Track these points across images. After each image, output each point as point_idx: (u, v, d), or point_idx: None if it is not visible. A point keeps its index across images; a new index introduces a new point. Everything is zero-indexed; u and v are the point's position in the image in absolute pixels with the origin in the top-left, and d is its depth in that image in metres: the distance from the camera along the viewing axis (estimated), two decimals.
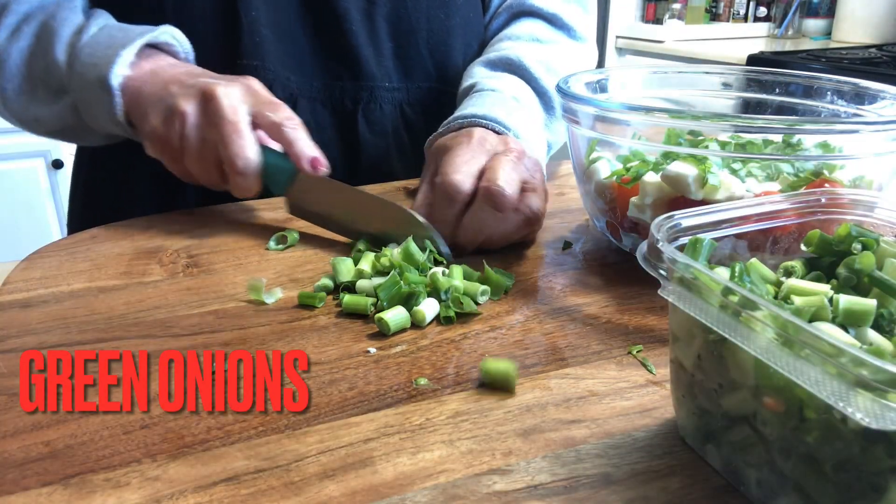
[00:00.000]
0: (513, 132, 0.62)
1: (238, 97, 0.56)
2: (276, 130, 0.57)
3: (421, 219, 0.53)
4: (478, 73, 0.72)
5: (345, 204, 0.58)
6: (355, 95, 0.74)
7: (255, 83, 0.59)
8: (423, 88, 0.78)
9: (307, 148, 0.57)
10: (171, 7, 0.66)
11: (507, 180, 0.53)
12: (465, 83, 0.72)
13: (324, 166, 0.57)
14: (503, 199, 0.52)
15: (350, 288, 0.50)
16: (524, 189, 0.55)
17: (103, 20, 0.62)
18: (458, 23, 0.77)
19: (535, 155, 0.61)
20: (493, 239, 0.56)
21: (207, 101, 0.56)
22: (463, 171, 0.54)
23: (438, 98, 0.78)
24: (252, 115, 0.57)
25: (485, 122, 0.62)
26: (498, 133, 0.61)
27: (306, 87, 0.72)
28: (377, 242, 0.55)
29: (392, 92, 0.76)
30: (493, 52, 0.74)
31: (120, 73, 0.58)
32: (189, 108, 0.56)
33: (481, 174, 0.55)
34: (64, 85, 0.61)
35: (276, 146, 0.60)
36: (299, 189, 0.59)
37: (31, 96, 0.63)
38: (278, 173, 0.58)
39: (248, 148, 0.56)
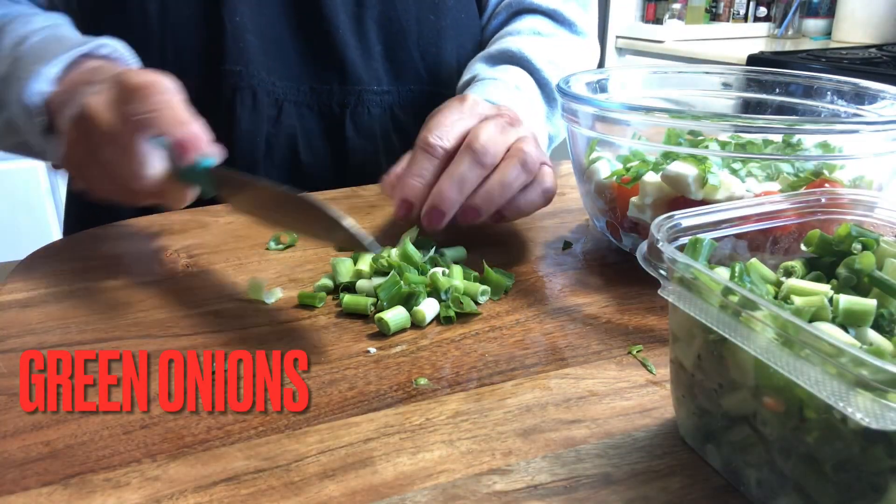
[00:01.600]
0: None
1: (111, 105, 0.48)
2: (150, 124, 0.47)
3: (329, 211, 0.43)
4: (478, 68, 0.72)
5: (262, 197, 0.50)
6: (343, 99, 0.74)
7: (129, 75, 0.48)
8: (415, 91, 0.77)
9: (182, 130, 0.47)
10: (154, 12, 0.65)
11: (491, 138, 0.51)
12: (465, 77, 0.72)
13: (198, 146, 0.48)
14: (484, 154, 0.50)
15: (350, 288, 0.50)
16: (514, 141, 0.53)
17: (50, 31, 0.57)
18: (450, 24, 0.77)
19: (532, 126, 0.59)
20: (492, 194, 0.51)
21: (84, 122, 0.48)
22: (445, 128, 0.52)
23: (430, 100, 0.78)
24: (137, 119, 0.47)
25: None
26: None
27: (292, 92, 0.72)
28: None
29: (381, 95, 0.75)
30: (493, 46, 0.74)
31: (38, 87, 0.53)
32: (74, 135, 0.50)
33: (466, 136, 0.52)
34: (2, 98, 0.57)
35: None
36: (224, 189, 0.50)
37: None
38: (193, 176, 0.50)
39: (139, 172, 0.48)
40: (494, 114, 0.56)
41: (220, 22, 0.67)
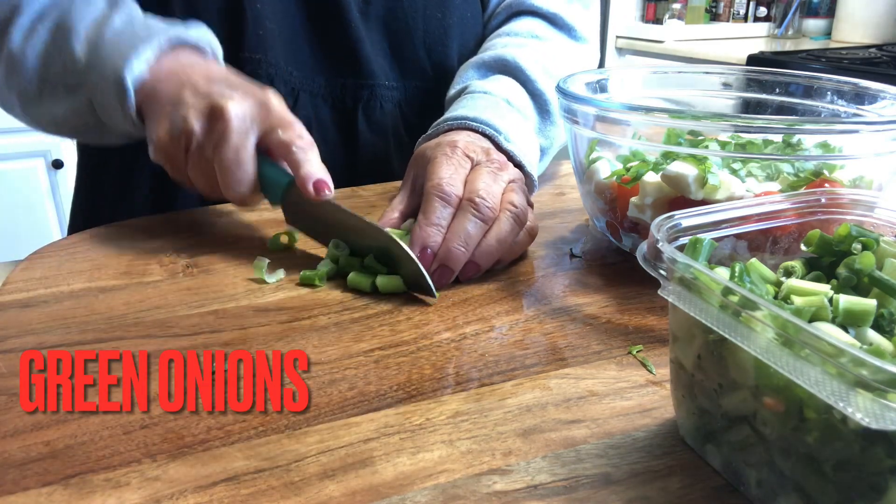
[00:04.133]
0: (503, 135, 0.62)
1: (249, 116, 0.54)
2: (284, 150, 0.54)
3: (411, 253, 0.50)
4: (469, 77, 0.72)
5: (336, 223, 0.55)
6: (356, 93, 0.74)
7: (273, 97, 0.56)
8: (420, 88, 0.77)
9: (315, 170, 0.54)
10: None
11: (488, 190, 0.53)
12: (457, 87, 0.71)
13: (328, 190, 0.54)
14: (485, 209, 0.52)
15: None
16: (504, 191, 0.55)
17: (127, 12, 0.60)
18: (455, 22, 0.77)
19: (522, 160, 0.61)
20: (491, 251, 0.52)
21: (216, 120, 0.53)
22: (452, 177, 0.54)
23: (436, 98, 0.78)
24: (261, 134, 0.54)
25: (475, 124, 0.62)
26: (487, 136, 0.61)
27: (308, 83, 0.72)
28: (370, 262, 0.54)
29: (391, 91, 0.75)
30: (487, 52, 0.73)
31: (137, 69, 0.56)
32: (197, 125, 0.54)
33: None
34: (81, 81, 0.59)
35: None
36: (294, 201, 0.56)
37: (50, 96, 0.62)
38: (274, 186, 0.56)
39: (244, 182, 0.54)
40: (484, 159, 0.57)
41: (240, 9, 0.67)
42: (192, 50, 0.60)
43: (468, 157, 0.57)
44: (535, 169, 0.65)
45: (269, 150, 0.56)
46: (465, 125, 0.62)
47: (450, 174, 0.54)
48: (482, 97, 0.66)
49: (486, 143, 0.60)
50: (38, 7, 0.61)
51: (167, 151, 0.56)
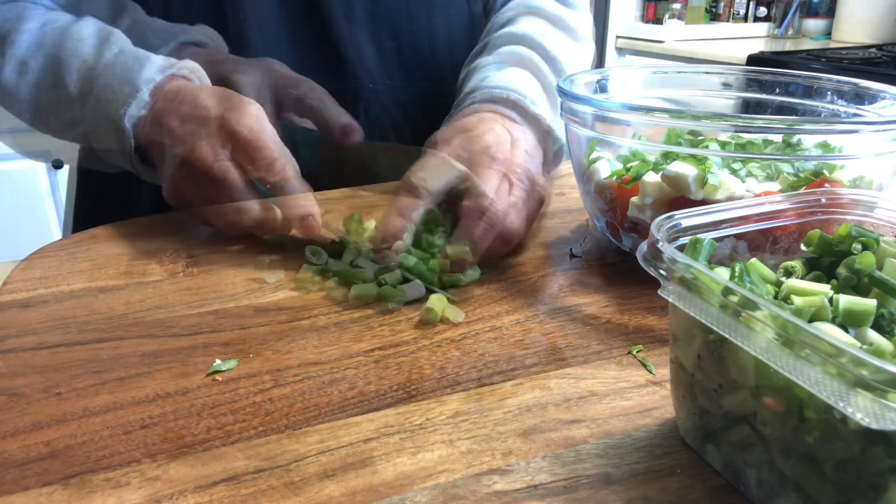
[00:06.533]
0: (528, 99, 0.63)
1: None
2: (300, 106, 0.54)
3: (457, 164, 0.51)
4: (484, 64, 0.72)
5: (377, 158, 0.56)
6: (341, 95, 0.74)
7: (274, 64, 0.56)
8: (408, 88, 0.78)
9: (336, 115, 0.54)
10: (157, 9, 0.66)
11: (527, 167, 0.55)
12: (474, 80, 0.72)
13: (356, 132, 0.54)
14: (528, 183, 0.54)
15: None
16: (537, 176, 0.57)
17: (119, 45, 0.59)
18: (441, 22, 0.78)
19: (551, 126, 0.62)
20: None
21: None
22: (501, 148, 0.56)
23: (423, 97, 0.78)
24: (276, 103, 0.55)
25: (499, 91, 0.62)
26: (512, 101, 0.62)
27: None
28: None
29: (376, 93, 0.76)
30: (502, 49, 0.74)
31: (134, 114, 0.56)
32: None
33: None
34: (76, 118, 0.59)
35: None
36: (328, 156, 0.56)
37: (45, 127, 0.62)
38: (306, 143, 0.56)
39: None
40: (522, 138, 0.58)
41: (223, 19, 0.68)
42: (182, 79, 0.60)
43: (508, 131, 0.58)
44: (562, 135, 0.66)
45: (288, 111, 0.57)
46: (496, 97, 0.63)
47: (496, 141, 0.56)
48: (505, 66, 0.67)
49: (513, 113, 0.62)
50: (28, 39, 0.61)
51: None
